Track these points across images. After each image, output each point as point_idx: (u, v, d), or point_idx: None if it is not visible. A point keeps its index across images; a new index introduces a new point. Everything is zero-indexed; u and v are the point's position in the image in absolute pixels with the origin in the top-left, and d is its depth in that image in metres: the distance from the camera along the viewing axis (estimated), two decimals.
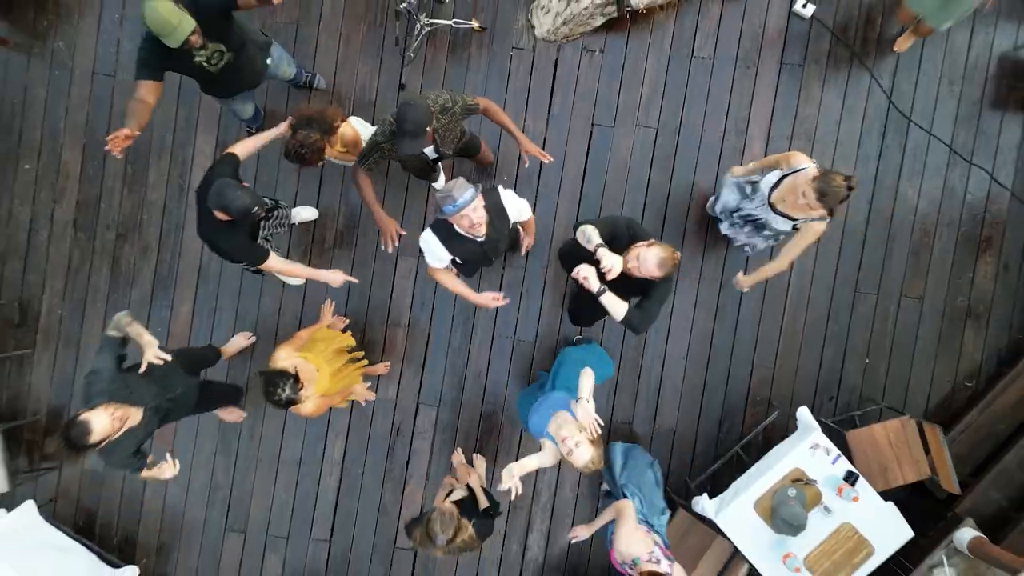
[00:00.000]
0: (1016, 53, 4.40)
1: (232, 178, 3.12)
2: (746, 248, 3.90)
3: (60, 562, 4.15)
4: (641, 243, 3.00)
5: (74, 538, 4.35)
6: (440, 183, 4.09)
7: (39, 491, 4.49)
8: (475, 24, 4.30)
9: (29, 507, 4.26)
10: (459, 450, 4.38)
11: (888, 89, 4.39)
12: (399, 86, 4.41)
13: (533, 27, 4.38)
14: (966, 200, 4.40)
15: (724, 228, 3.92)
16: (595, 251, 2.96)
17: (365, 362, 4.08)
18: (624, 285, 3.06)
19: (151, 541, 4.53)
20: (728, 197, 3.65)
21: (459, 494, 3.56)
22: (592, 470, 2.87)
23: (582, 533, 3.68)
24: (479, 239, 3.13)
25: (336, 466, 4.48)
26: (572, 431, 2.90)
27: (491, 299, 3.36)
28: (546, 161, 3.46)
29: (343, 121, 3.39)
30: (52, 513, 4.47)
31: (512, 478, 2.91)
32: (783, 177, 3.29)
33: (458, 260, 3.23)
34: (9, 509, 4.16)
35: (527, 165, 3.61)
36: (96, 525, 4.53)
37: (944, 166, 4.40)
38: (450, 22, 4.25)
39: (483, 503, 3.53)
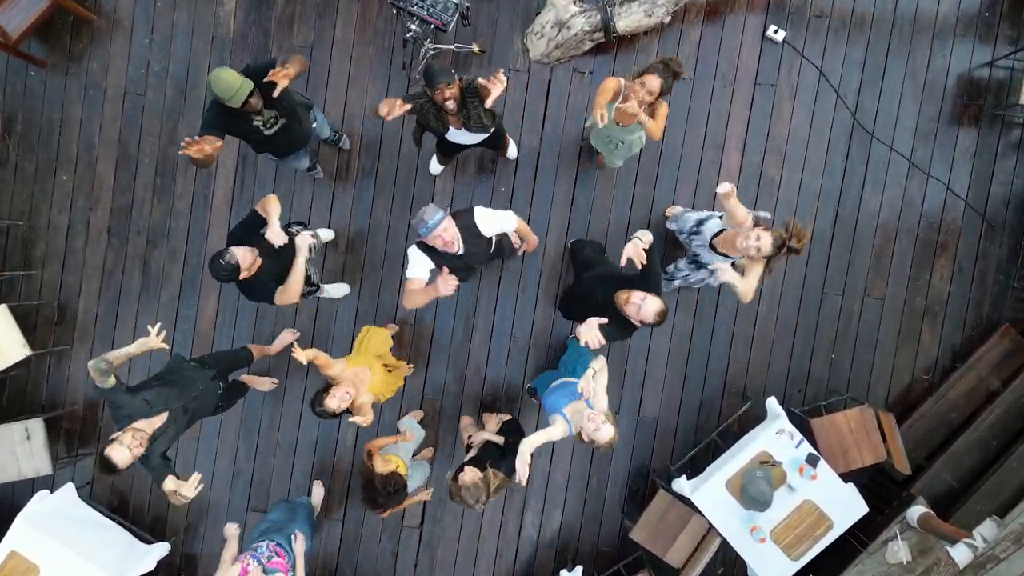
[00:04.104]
0: (971, 73, 4.81)
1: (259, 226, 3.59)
2: (676, 281, 4.32)
3: (101, 537, 4.57)
4: (640, 292, 3.27)
5: (110, 517, 4.77)
6: (435, 168, 4.72)
7: (77, 474, 4.92)
8: (475, 48, 4.70)
9: (69, 489, 4.67)
10: (463, 418, 4.78)
11: (853, 107, 4.79)
12: None
13: (528, 51, 4.78)
14: (924, 209, 4.81)
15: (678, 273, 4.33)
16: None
17: (406, 367, 4.53)
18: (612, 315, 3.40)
19: (180, 520, 4.96)
20: (683, 223, 4.08)
21: (475, 450, 3.97)
22: (614, 442, 3.34)
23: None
24: (459, 253, 3.50)
25: (348, 451, 4.90)
26: (595, 416, 3.33)
27: (447, 284, 3.41)
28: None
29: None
30: (89, 495, 4.90)
31: (525, 464, 3.31)
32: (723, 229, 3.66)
33: (447, 268, 3.56)
34: (52, 490, 4.59)
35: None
36: (129, 506, 4.95)
37: (904, 178, 4.81)
38: (452, 47, 4.65)
39: (500, 442, 3.95)
